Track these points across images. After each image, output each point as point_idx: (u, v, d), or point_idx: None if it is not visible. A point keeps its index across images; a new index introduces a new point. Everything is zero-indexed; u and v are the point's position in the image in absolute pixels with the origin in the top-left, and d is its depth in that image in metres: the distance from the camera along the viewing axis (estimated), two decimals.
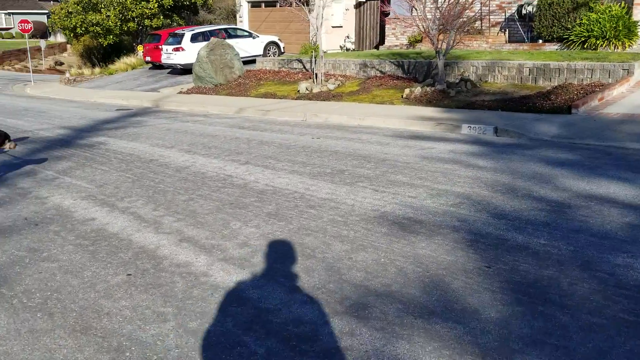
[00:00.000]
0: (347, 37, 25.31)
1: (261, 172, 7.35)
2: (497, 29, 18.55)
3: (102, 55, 33.11)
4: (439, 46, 13.28)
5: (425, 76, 15.10)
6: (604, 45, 14.51)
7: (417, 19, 13.89)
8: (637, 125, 9.31)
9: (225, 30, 24.43)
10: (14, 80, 32.73)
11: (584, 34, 14.78)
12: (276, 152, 8.60)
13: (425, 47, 18.72)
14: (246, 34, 24.57)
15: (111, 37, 30.41)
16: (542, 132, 9.24)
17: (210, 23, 37.92)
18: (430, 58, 15.37)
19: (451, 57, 14.89)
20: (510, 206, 5.50)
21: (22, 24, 29.89)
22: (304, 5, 16.85)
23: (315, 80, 16.59)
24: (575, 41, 15.06)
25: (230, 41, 22.57)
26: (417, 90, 13.54)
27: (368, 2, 24.44)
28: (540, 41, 16.34)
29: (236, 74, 19.49)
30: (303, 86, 16.27)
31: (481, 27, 18.82)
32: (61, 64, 47.04)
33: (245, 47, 23.59)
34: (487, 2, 18.50)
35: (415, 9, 15.39)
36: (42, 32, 59.47)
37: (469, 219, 5.18)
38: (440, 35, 13.48)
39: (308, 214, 5.52)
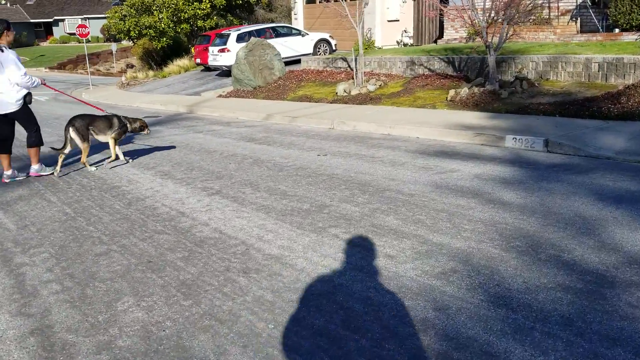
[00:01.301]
0: (405, 31, 23.35)
1: (223, 208, 5.85)
2: (567, 17, 16.15)
3: (161, 57, 32.67)
4: (490, 40, 11.34)
5: (478, 74, 13.14)
6: None
7: (462, 9, 11.94)
8: None
9: (273, 29, 23.12)
10: (78, 84, 33.01)
11: None
12: (262, 177, 7.07)
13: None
14: (295, 31, 23.16)
15: (165, 39, 29.81)
16: (604, 147, 7.24)
17: (272, 22, 36.82)
18: (485, 53, 13.39)
19: (508, 52, 12.87)
20: (522, 280, 3.72)
21: (80, 29, 29.88)
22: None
23: (355, 80, 14.94)
24: None
25: (278, 40, 21.26)
26: (464, 91, 11.65)
27: None
28: (617, 30, 13.90)
29: (276, 75, 18.09)
30: (341, 88, 14.68)
31: (549, 15, 16.49)
32: (132, 66, 47.50)
33: (294, 45, 22.21)
34: None
35: None
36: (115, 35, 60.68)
37: (453, 305, 3.46)
38: (490, 28, 11.50)
39: (233, 285, 3.97)
